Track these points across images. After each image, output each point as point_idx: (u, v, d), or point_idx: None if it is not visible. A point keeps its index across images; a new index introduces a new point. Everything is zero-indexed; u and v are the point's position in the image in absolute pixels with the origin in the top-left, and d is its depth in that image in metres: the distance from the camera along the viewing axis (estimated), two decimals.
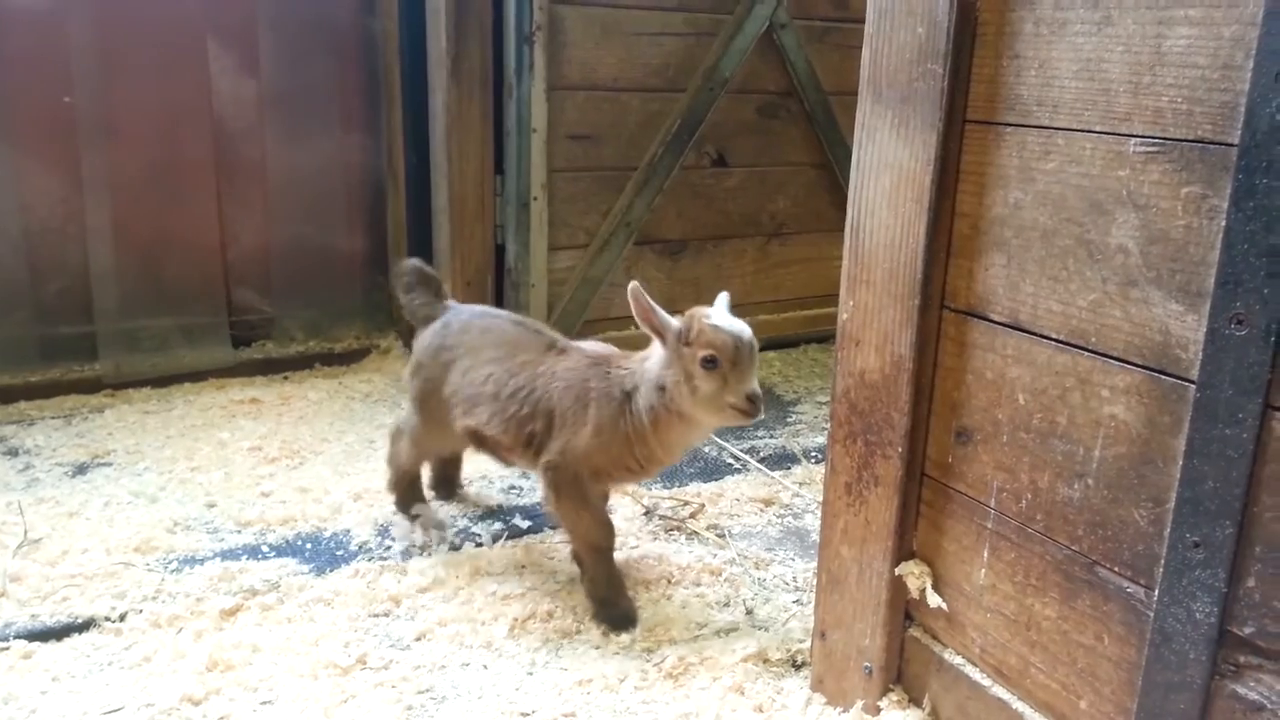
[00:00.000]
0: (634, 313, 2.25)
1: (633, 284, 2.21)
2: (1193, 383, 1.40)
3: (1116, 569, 1.55)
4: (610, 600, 2.47)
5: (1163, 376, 1.46)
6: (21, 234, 3.74)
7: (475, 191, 3.97)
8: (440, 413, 2.66)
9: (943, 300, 1.82)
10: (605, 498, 2.67)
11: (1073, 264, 1.57)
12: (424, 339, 2.75)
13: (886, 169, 1.83)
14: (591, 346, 2.57)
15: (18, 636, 2.30)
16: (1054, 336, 1.62)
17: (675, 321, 2.24)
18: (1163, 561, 1.46)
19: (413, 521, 2.88)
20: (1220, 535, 1.37)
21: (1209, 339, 1.37)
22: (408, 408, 2.87)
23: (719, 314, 2.25)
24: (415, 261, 2.90)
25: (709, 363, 2.16)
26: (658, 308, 2.25)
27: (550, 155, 3.96)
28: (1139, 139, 1.47)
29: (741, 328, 2.21)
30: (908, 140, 1.78)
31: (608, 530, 2.50)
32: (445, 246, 4.04)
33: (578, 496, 2.43)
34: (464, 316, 2.75)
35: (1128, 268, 1.49)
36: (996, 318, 1.72)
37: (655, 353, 2.33)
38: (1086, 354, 1.57)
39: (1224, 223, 1.34)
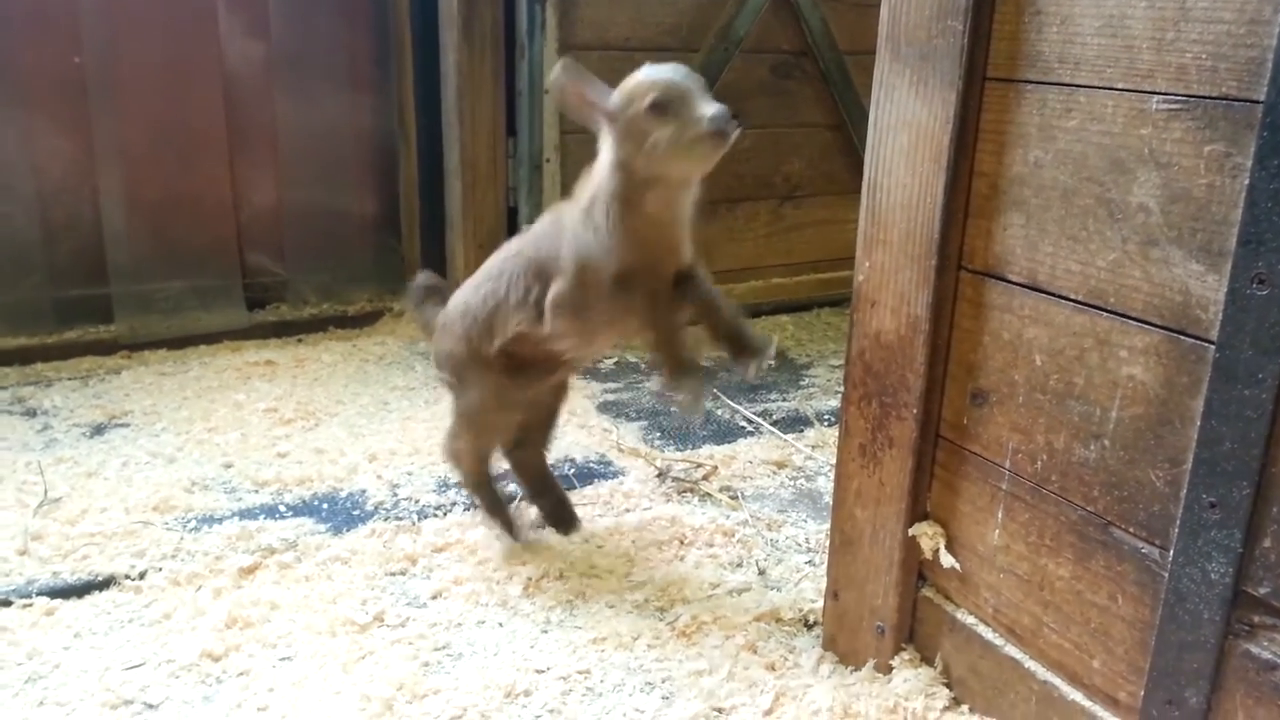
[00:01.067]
0: (567, 104, 2.07)
1: (559, 65, 2.02)
2: (1212, 343, 1.39)
3: (1131, 530, 1.56)
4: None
5: (1182, 337, 1.45)
6: (35, 196, 3.74)
7: (487, 153, 3.96)
8: (478, 365, 2.45)
9: (960, 261, 1.81)
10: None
11: (1092, 223, 1.56)
12: (435, 333, 2.62)
13: (904, 128, 1.81)
14: None
15: (40, 593, 2.33)
16: (1072, 297, 1.61)
17: (614, 96, 2.02)
18: (1178, 522, 1.46)
19: (502, 524, 2.64)
20: (1237, 496, 1.37)
21: (1230, 299, 1.36)
22: (453, 403, 2.57)
23: (645, 68, 2.04)
24: (423, 276, 2.77)
25: (656, 108, 1.94)
26: (594, 84, 2.03)
27: (563, 116, 3.94)
28: (1162, 96, 1.44)
29: (674, 65, 2.02)
30: (926, 98, 1.76)
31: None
32: (457, 209, 4.03)
33: (593, 302, 2.22)
34: None
35: (1148, 227, 1.48)
36: (1014, 278, 1.71)
37: (603, 152, 2.14)
38: (1105, 314, 1.56)
39: (1247, 181, 1.33)
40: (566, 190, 4.02)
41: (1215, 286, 1.39)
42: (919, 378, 1.85)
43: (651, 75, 1.99)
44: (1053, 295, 1.64)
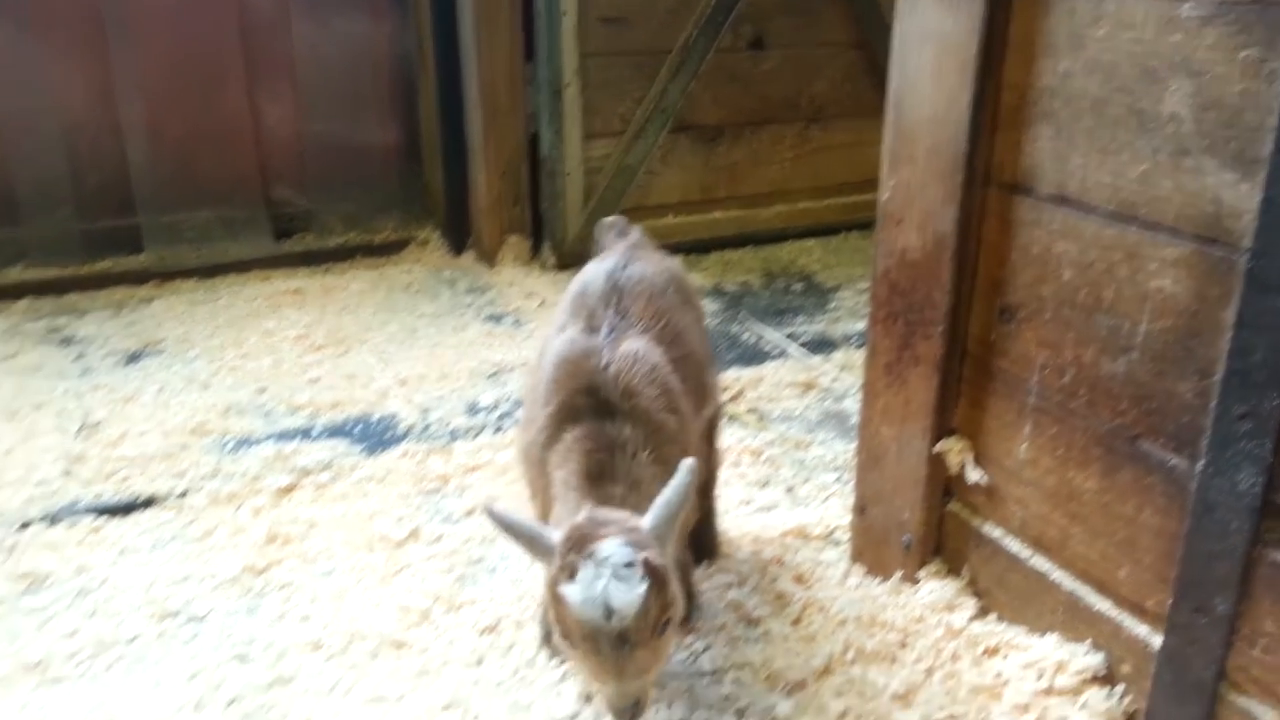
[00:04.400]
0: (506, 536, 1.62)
1: (486, 508, 1.61)
2: (1244, 253, 1.39)
3: (1160, 442, 1.57)
4: (543, 619, 2.01)
5: (1213, 248, 1.44)
6: (60, 132, 3.76)
7: (506, 79, 3.92)
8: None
9: (987, 175, 1.79)
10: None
11: (1123, 134, 1.54)
12: None
13: (930, 40, 1.79)
14: (629, 351, 1.82)
15: (85, 512, 2.41)
16: (1102, 210, 1.60)
17: (553, 542, 1.55)
18: (1207, 433, 1.46)
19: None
20: (1268, 406, 1.37)
21: (1263, 207, 1.34)
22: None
23: (600, 572, 1.45)
24: (612, 220, 2.43)
25: (567, 638, 1.52)
26: (526, 523, 1.61)
27: (582, 40, 3.88)
28: (1193, 2, 1.42)
29: (613, 608, 1.43)
30: (952, 9, 1.73)
31: None
32: (478, 136, 4.01)
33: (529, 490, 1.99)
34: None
35: (1180, 136, 1.46)
36: (1043, 192, 1.70)
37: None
38: (1135, 226, 1.55)
39: None
40: (588, 115, 4.02)
41: (1248, 195, 1.38)
42: (946, 295, 1.85)
43: (567, 603, 1.46)
44: (1082, 208, 1.63)
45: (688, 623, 2.00)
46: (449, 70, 4.10)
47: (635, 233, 2.34)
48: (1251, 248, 1.37)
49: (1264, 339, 1.36)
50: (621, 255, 2.12)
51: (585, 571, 1.46)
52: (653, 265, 2.14)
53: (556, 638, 1.57)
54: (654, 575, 1.47)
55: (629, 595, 1.44)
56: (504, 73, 3.91)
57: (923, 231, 1.89)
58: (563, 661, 1.97)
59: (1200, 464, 1.48)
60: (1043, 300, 1.73)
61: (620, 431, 1.74)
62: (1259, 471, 1.39)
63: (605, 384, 1.77)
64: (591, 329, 1.89)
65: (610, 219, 2.45)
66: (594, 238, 2.42)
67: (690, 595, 1.99)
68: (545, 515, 1.88)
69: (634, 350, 1.84)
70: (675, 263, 2.26)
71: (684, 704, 1.86)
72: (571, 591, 1.46)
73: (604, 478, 1.71)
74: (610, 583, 1.45)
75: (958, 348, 1.90)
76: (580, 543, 1.50)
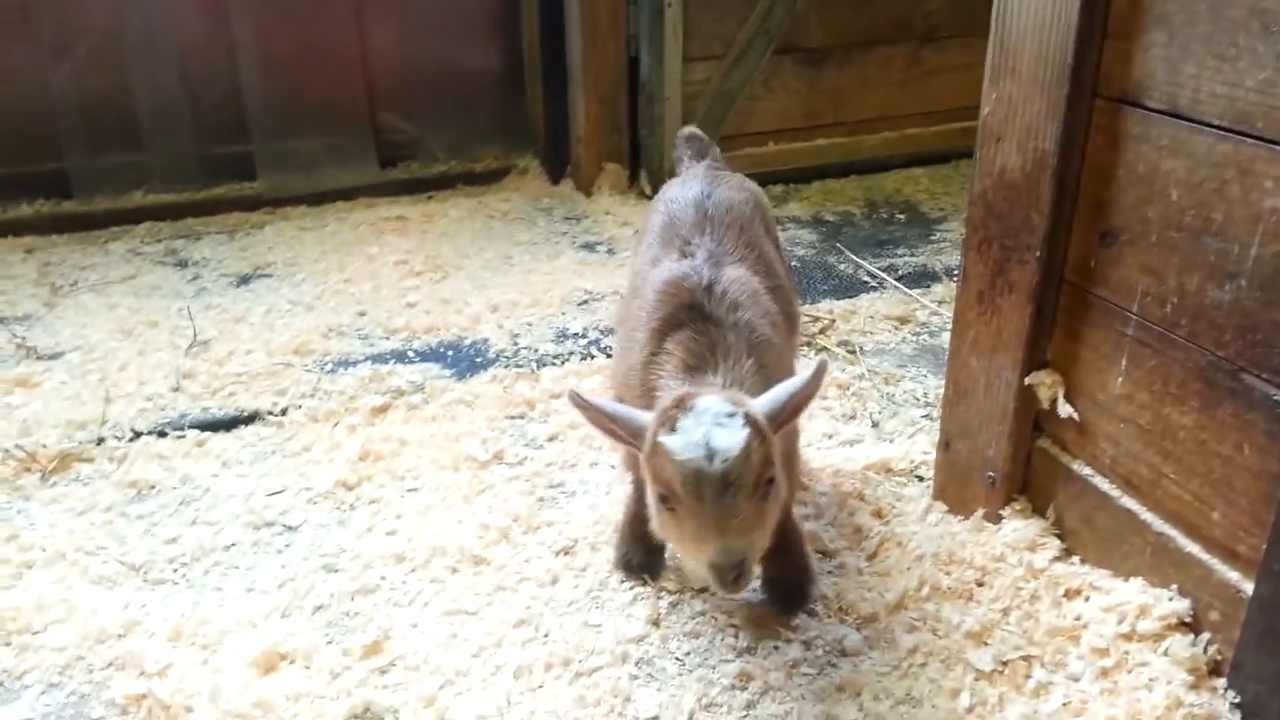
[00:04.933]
0: (592, 426, 1.61)
1: (569, 391, 1.55)
2: None
3: (1264, 376, 1.45)
4: (619, 543, 2.04)
5: None
6: (177, 52, 3.87)
7: (608, 1, 3.85)
8: None
9: (1094, 88, 1.67)
10: None
11: (1243, 38, 1.40)
12: None
13: None
14: (732, 281, 1.79)
15: (191, 426, 2.53)
16: (1216, 123, 1.47)
17: (643, 421, 1.53)
18: None
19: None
20: None
21: None
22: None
23: (701, 418, 1.45)
24: (687, 130, 2.44)
25: (662, 499, 1.50)
26: (617, 408, 1.58)
27: None
28: None
29: (716, 449, 1.41)
30: None
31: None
32: (578, 61, 3.96)
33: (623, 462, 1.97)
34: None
35: None
36: (1153, 105, 1.57)
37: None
38: (1250, 141, 1.41)
39: None
40: (688, 38, 3.91)
41: None
42: (1044, 217, 1.75)
43: (671, 455, 1.44)
44: (1194, 122, 1.50)
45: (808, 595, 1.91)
46: None
47: (713, 150, 2.30)
48: None
49: None
50: (704, 180, 2.08)
51: (686, 420, 1.45)
52: (738, 192, 2.09)
53: (655, 510, 1.53)
54: (755, 427, 1.46)
55: (731, 438, 1.42)
56: None
57: (1023, 149, 1.77)
58: (642, 572, 1.97)
59: None
60: (1147, 223, 1.61)
61: (724, 336, 1.71)
62: None
63: (709, 299, 1.75)
64: (688, 256, 1.86)
65: (687, 130, 2.40)
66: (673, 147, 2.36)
67: (808, 571, 1.93)
68: None
69: (736, 275, 1.82)
70: (755, 187, 2.20)
71: (749, 633, 1.85)
72: (672, 439, 1.43)
73: (703, 370, 1.66)
74: (712, 428, 1.43)
75: (1054, 275, 1.80)
76: (680, 404, 1.49)
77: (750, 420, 1.46)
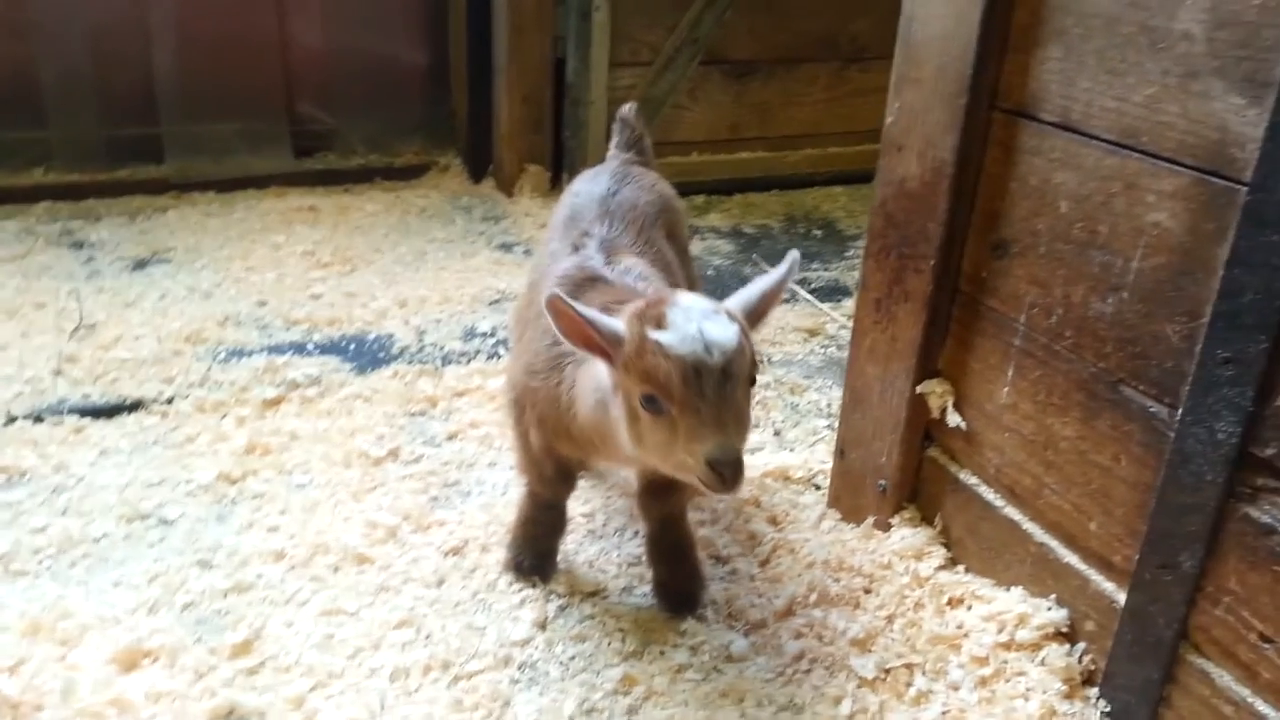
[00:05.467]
0: (559, 332, 1.49)
1: (549, 295, 1.47)
2: (1244, 185, 1.27)
3: (1142, 387, 1.47)
4: (511, 544, 1.98)
5: (1213, 179, 1.33)
6: (89, 29, 3.72)
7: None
8: None
9: (992, 99, 1.68)
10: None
11: (1133, 54, 1.42)
12: None
13: None
14: (628, 266, 1.79)
15: (70, 412, 2.41)
16: (1105, 137, 1.48)
17: (620, 326, 1.47)
18: (1190, 379, 1.36)
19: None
20: (1253, 351, 1.27)
21: (1269, 134, 1.23)
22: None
23: (690, 314, 1.40)
24: (622, 110, 2.38)
25: (649, 402, 1.41)
26: (593, 313, 1.47)
27: None
28: None
29: (713, 341, 1.37)
30: None
31: (542, 479, 1.88)
32: (503, 59, 3.91)
33: (516, 425, 1.89)
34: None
35: (1191, 57, 1.34)
36: (1047, 117, 1.59)
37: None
38: (1136, 155, 1.43)
39: None
40: (616, 42, 3.89)
41: (1255, 122, 1.26)
42: (940, 227, 1.75)
43: (666, 349, 1.38)
44: (1085, 135, 1.52)
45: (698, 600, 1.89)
46: None
47: (644, 142, 2.34)
48: (1251, 180, 1.25)
49: (1255, 278, 1.25)
50: (613, 177, 2.06)
51: (675, 315, 1.40)
52: (645, 192, 2.07)
53: (633, 419, 1.45)
54: (739, 323, 1.42)
55: (726, 330, 1.38)
56: None
57: (923, 159, 1.78)
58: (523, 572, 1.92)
59: (1180, 412, 1.38)
60: (1037, 235, 1.63)
61: (632, 292, 1.66)
62: (1238, 420, 1.29)
63: (610, 274, 1.73)
64: (581, 248, 1.83)
65: (628, 109, 2.39)
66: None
67: (699, 576, 1.90)
68: (546, 449, 1.80)
69: (632, 262, 1.80)
70: (668, 190, 2.19)
71: (636, 637, 1.81)
72: (666, 335, 1.38)
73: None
74: (703, 322, 1.39)
75: (948, 285, 1.81)
76: (656, 304, 1.45)
77: (733, 316, 1.43)
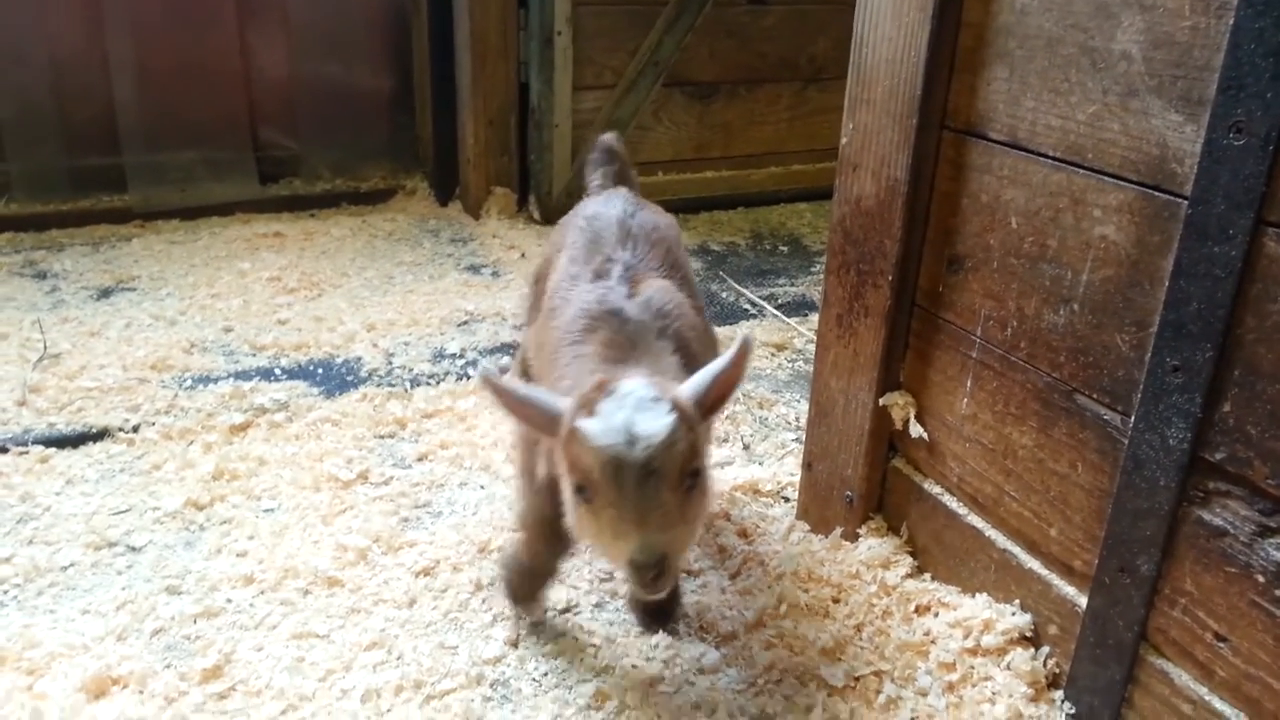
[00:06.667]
0: (501, 409, 1.46)
1: (480, 368, 1.46)
2: (1185, 199, 1.32)
3: (1095, 396, 1.51)
4: (505, 577, 1.90)
5: (1156, 193, 1.38)
6: (48, 64, 3.72)
7: (498, 26, 3.85)
8: None
9: (943, 120, 1.73)
10: None
11: (1075, 74, 1.47)
12: None
13: None
14: (652, 294, 1.72)
15: (35, 442, 2.39)
16: (1051, 154, 1.53)
17: (560, 407, 1.41)
18: (1141, 387, 1.41)
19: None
20: (1200, 358, 1.31)
21: (1206, 150, 1.28)
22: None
23: (623, 403, 1.34)
24: (606, 138, 2.39)
25: (579, 490, 1.38)
26: (531, 391, 1.46)
27: None
28: None
29: (637, 435, 1.30)
30: None
31: (542, 535, 1.76)
32: (466, 83, 3.95)
33: (523, 473, 1.80)
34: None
35: (1129, 76, 1.39)
36: (995, 136, 1.63)
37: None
38: (1081, 172, 1.48)
39: (1232, 21, 1.24)
40: (579, 66, 3.93)
41: (1192, 138, 1.31)
42: (896, 244, 1.80)
43: (588, 441, 1.32)
44: (1032, 153, 1.57)
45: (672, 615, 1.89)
46: (442, 13, 4.03)
47: (631, 173, 2.32)
48: (1192, 195, 1.30)
49: (1199, 288, 1.30)
50: (627, 200, 2.02)
51: (607, 404, 1.33)
52: (661, 216, 2.05)
53: (570, 504, 1.40)
54: (681, 413, 1.34)
55: (655, 423, 1.31)
56: (495, 19, 3.84)
57: (877, 178, 1.83)
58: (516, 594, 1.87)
59: (1133, 419, 1.42)
60: (990, 250, 1.67)
61: (646, 337, 1.60)
62: (1189, 426, 1.33)
63: (631, 306, 1.65)
64: (604, 275, 1.77)
65: (610, 139, 2.37)
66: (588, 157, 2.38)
67: (673, 591, 1.86)
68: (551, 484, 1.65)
69: (659, 285, 1.74)
70: (673, 219, 2.19)
71: (609, 652, 1.82)
72: (591, 424, 1.31)
73: (623, 363, 1.53)
74: (634, 413, 1.32)
75: (906, 299, 1.85)
76: (600, 388, 1.38)
77: (676, 406, 1.35)
